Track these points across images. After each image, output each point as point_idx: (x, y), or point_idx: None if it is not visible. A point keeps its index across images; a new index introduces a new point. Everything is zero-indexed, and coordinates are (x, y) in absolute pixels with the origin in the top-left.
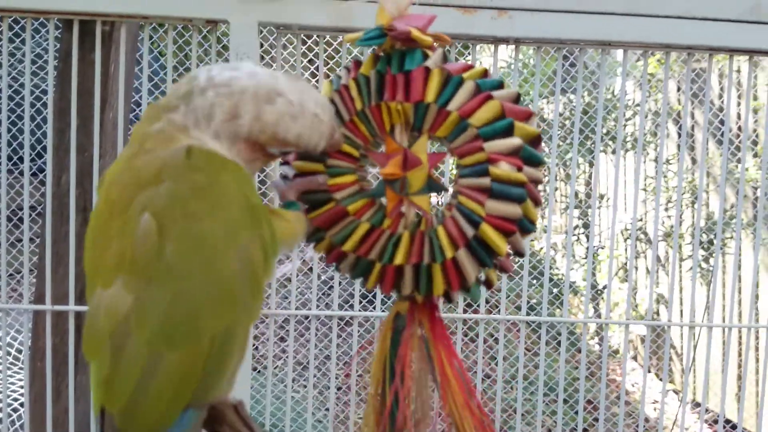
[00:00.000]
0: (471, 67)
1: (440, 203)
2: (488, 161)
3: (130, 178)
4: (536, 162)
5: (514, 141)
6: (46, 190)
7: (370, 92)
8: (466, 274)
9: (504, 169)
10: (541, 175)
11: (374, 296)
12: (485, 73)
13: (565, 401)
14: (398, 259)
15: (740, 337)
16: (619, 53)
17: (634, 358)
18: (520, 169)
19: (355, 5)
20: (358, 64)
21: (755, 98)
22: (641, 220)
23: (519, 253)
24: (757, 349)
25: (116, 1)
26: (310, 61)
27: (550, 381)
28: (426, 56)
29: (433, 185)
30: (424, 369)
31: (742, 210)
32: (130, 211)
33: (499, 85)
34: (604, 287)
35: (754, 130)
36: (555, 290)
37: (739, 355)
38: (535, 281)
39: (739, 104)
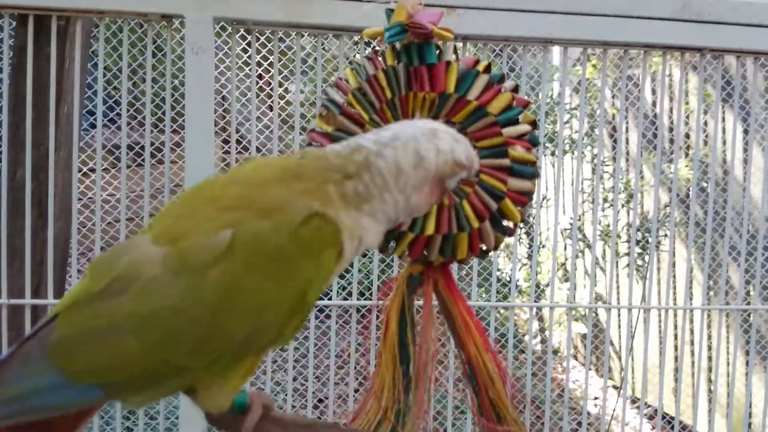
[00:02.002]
0: (478, 61)
1: None
2: (506, 144)
3: (251, 193)
4: (535, 144)
5: (525, 127)
6: (0, 185)
7: (400, 83)
8: (487, 240)
9: (519, 151)
10: (536, 156)
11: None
12: (489, 67)
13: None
14: (429, 230)
15: (676, 323)
16: (556, 57)
17: (575, 356)
18: (529, 151)
19: (309, 2)
20: (377, 55)
21: (686, 103)
22: (579, 219)
23: (522, 221)
24: (692, 343)
25: None
26: (264, 57)
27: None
28: (438, 48)
29: None
30: (433, 322)
31: (675, 208)
32: (223, 216)
33: (501, 78)
34: (547, 285)
35: (687, 134)
36: (504, 290)
37: (675, 349)
38: (484, 282)
39: (671, 108)
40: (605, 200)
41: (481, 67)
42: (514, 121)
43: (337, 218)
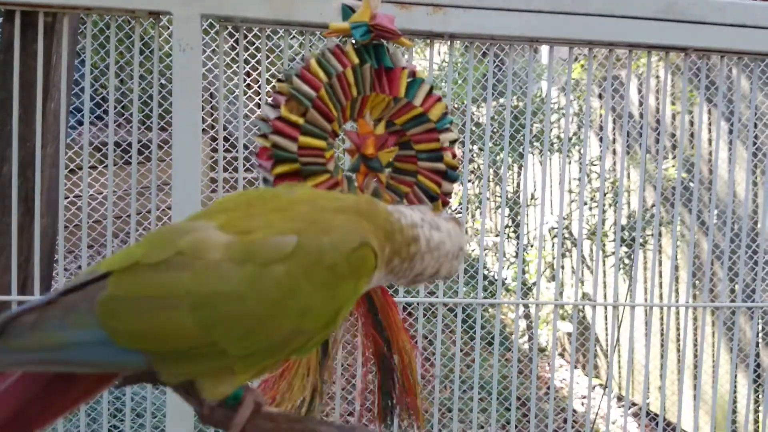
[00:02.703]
0: (416, 70)
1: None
2: (441, 149)
3: (318, 215)
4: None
5: (453, 135)
6: None
7: (366, 84)
8: None
9: (449, 156)
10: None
11: None
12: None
13: (499, 394)
14: None
15: (662, 321)
16: (544, 57)
17: (561, 355)
18: (454, 157)
19: (295, 0)
20: (341, 50)
21: (673, 104)
22: (566, 218)
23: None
24: (677, 340)
25: None
26: (251, 55)
27: (480, 380)
28: (387, 50)
29: (389, 163)
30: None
31: (660, 207)
32: (290, 224)
33: (433, 87)
34: (534, 284)
35: (672, 134)
36: (490, 288)
37: (662, 345)
38: (470, 279)
39: (657, 108)
40: (592, 199)
41: (421, 74)
42: (446, 129)
43: (378, 249)
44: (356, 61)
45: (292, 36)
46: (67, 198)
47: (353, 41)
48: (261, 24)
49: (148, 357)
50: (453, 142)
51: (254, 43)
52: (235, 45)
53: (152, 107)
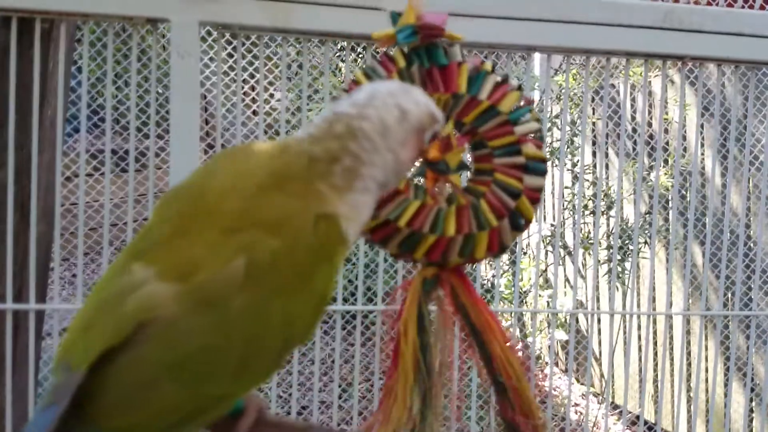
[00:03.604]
0: (483, 63)
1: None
2: (519, 143)
3: (252, 205)
4: (542, 142)
5: (535, 125)
6: None
7: (415, 84)
8: (505, 239)
9: (532, 148)
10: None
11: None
12: (494, 67)
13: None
14: (450, 231)
15: (655, 330)
16: (536, 67)
17: (556, 363)
18: (539, 148)
19: (294, 7)
20: (389, 58)
21: (666, 113)
22: (561, 226)
23: (529, 222)
24: (672, 349)
25: None
26: (249, 62)
27: (478, 388)
28: (445, 51)
29: (463, 164)
30: (450, 326)
31: (657, 214)
32: (231, 239)
33: (506, 78)
34: (527, 292)
35: (667, 142)
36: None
37: (655, 357)
38: None
39: (650, 115)
40: (585, 207)
41: (488, 67)
42: (523, 120)
43: (336, 214)
44: (402, 64)
45: (290, 43)
46: (63, 206)
47: (403, 46)
48: (259, 31)
49: None
50: (534, 132)
51: (252, 51)
52: (233, 52)
53: (149, 114)
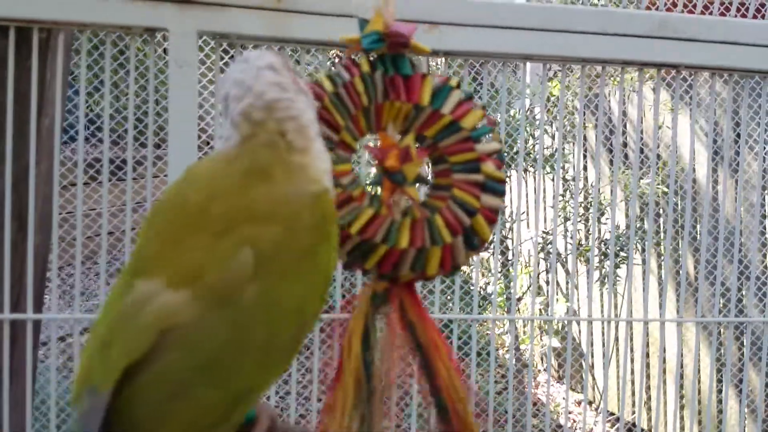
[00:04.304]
0: (449, 79)
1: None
2: (478, 160)
3: (241, 202)
4: (503, 163)
5: (495, 145)
6: None
7: (377, 91)
8: (458, 257)
9: (491, 167)
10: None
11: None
12: (459, 84)
13: (477, 415)
14: (402, 243)
15: (648, 338)
16: (527, 75)
17: (546, 370)
18: (499, 168)
19: (292, 17)
20: (354, 63)
21: (660, 124)
22: (550, 234)
23: (484, 242)
24: (665, 362)
25: (54, 8)
26: None
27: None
28: (410, 62)
29: (420, 178)
30: (393, 342)
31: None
32: (230, 235)
33: (471, 96)
34: (519, 299)
35: (658, 154)
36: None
37: (647, 368)
38: (465, 296)
39: (641, 122)
40: (581, 214)
41: (453, 83)
42: (485, 138)
43: (326, 188)
44: (366, 69)
45: (288, 53)
46: (59, 214)
47: (370, 53)
48: (257, 41)
49: None
50: (494, 152)
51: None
52: (230, 62)
53: (147, 123)
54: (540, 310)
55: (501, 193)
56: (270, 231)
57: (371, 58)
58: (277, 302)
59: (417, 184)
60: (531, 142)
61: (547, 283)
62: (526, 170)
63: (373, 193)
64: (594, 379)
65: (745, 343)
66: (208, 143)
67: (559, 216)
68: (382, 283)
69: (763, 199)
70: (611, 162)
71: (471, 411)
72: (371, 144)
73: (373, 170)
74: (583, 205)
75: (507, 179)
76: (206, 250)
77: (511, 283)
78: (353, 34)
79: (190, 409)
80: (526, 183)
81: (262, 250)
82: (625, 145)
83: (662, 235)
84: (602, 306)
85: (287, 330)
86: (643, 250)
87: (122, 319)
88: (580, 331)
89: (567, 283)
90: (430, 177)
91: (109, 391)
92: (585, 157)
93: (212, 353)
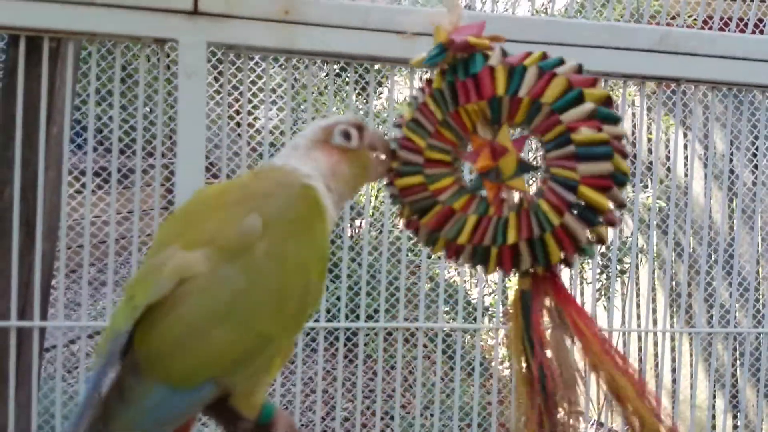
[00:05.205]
0: (529, 54)
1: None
2: (568, 130)
3: (246, 189)
4: (612, 119)
5: (587, 106)
6: None
7: (447, 102)
8: (576, 236)
9: (584, 133)
10: (621, 130)
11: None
12: (544, 55)
13: (479, 425)
14: (511, 238)
15: (640, 347)
16: None
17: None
18: (599, 130)
19: (299, 28)
20: (429, 82)
21: (651, 134)
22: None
23: (621, 205)
24: (656, 366)
25: (65, 18)
26: (252, 82)
27: (465, 406)
28: (486, 57)
29: (524, 166)
30: (560, 336)
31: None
32: (240, 208)
33: (560, 62)
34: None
35: (649, 166)
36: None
37: (639, 374)
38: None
39: (634, 133)
40: None
41: (530, 60)
42: (577, 104)
43: (313, 186)
44: (437, 85)
45: (295, 66)
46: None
47: (440, 66)
48: (265, 52)
49: (217, 381)
50: (588, 115)
51: (256, 71)
52: (237, 72)
53: (153, 133)
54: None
55: (602, 156)
56: (273, 203)
57: (443, 69)
58: (285, 257)
59: (521, 174)
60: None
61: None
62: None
63: (482, 197)
64: (585, 389)
65: (742, 352)
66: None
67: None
68: (525, 280)
69: (753, 211)
70: None
71: (651, 409)
72: (467, 152)
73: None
74: None
75: (607, 138)
76: (220, 220)
77: (507, 292)
78: (420, 55)
79: (209, 348)
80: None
81: (268, 216)
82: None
83: (656, 247)
84: (595, 317)
85: (295, 283)
86: (642, 260)
87: (145, 275)
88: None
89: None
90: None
91: (128, 328)
92: None
93: (227, 298)
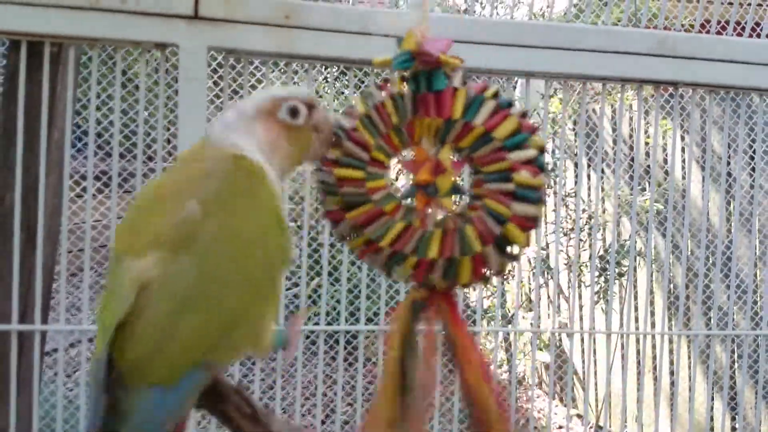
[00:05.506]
0: (487, 87)
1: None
2: (511, 169)
3: (183, 176)
4: (545, 169)
5: (531, 152)
6: None
7: (406, 109)
8: (490, 264)
9: (524, 175)
10: (547, 180)
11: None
12: (497, 93)
13: None
14: (432, 253)
15: (638, 350)
16: (518, 91)
17: (539, 385)
18: (536, 176)
19: (299, 33)
20: (387, 82)
21: (648, 136)
22: (545, 249)
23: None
24: (655, 369)
25: (66, 23)
26: (252, 87)
27: (464, 409)
28: (446, 76)
29: (456, 188)
30: (434, 351)
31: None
32: (178, 199)
33: (510, 104)
34: (512, 315)
35: (648, 167)
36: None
37: (638, 377)
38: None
39: (631, 137)
40: (571, 230)
41: (489, 94)
42: (522, 147)
43: (244, 154)
44: (397, 89)
45: (295, 70)
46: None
47: (402, 71)
48: (265, 56)
49: (205, 365)
50: (529, 160)
51: (255, 75)
52: (237, 77)
53: (154, 137)
54: (531, 323)
55: (535, 201)
56: (210, 184)
57: (405, 76)
58: (234, 231)
59: (453, 196)
60: None
61: (548, 297)
62: None
63: (409, 206)
64: (585, 392)
65: (741, 354)
66: None
67: (554, 232)
68: (421, 291)
69: (751, 214)
70: (597, 175)
71: (499, 417)
72: (407, 159)
73: (409, 184)
74: (581, 219)
75: (543, 184)
76: (160, 216)
77: (506, 295)
78: (386, 56)
79: (183, 337)
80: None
81: (205, 198)
82: (614, 160)
83: (654, 250)
84: (593, 320)
85: (252, 252)
86: (635, 269)
87: (109, 298)
88: (572, 346)
89: (559, 296)
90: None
91: (105, 352)
92: (576, 172)
93: (186, 290)
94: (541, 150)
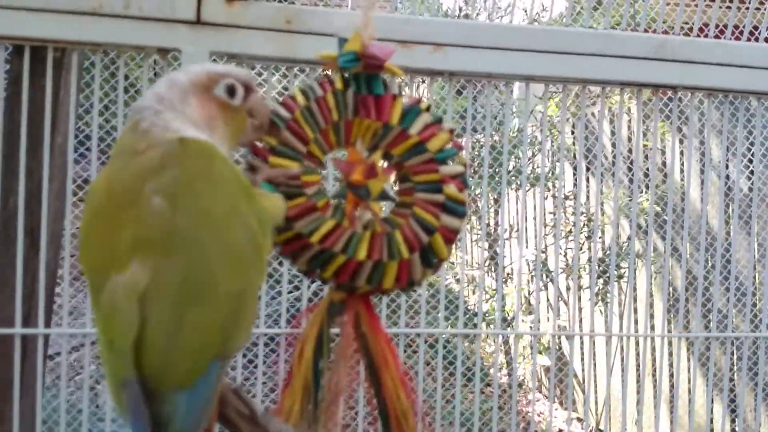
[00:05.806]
0: (421, 100)
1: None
2: (441, 182)
3: (132, 174)
4: (466, 186)
5: (459, 168)
6: None
7: (347, 108)
8: (414, 273)
9: (453, 189)
10: (469, 198)
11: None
12: (429, 107)
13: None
14: (361, 255)
15: (637, 354)
16: (515, 94)
17: (539, 389)
18: (461, 191)
19: (301, 37)
20: (329, 80)
21: (646, 139)
22: (544, 252)
23: (441, 261)
24: (654, 371)
25: (69, 28)
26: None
27: (465, 412)
28: (384, 82)
29: (385, 194)
30: (347, 353)
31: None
32: (140, 200)
33: (440, 119)
34: (512, 319)
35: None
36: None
37: (637, 380)
38: (450, 315)
39: (630, 140)
40: (570, 232)
41: (423, 106)
42: (449, 161)
43: (172, 133)
44: (339, 86)
45: (295, 74)
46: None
47: (345, 71)
48: (266, 61)
49: (220, 357)
50: (458, 175)
51: (257, 79)
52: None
53: None
54: (531, 326)
55: (461, 215)
56: (165, 176)
57: (346, 76)
58: (209, 218)
59: (381, 201)
60: (527, 160)
61: (547, 300)
62: (517, 188)
63: (337, 205)
64: (584, 395)
65: (741, 357)
66: None
67: (551, 234)
68: (339, 294)
69: (749, 217)
70: (597, 179)
71: (414, 424)
72: (340, 158)
73: (339, 183)
74: (580, 222)
75: (470, 201)
76: (131, 221)
77: (506, 298)
78: (331, 52)
79: (194, 336)
80: (524, 201)
81: (166, 191)
82: (614, 164)
83: (653, 252)
84: (593, 323)
85: (233, 230)
86: (639, 265)
87: (108, 319)
88: (572, 349)
89: (558, 299)
90: (395, 195)
91: (134, 376)
92: (575, 175)
93: (184, 288)
94: (465, 167)
